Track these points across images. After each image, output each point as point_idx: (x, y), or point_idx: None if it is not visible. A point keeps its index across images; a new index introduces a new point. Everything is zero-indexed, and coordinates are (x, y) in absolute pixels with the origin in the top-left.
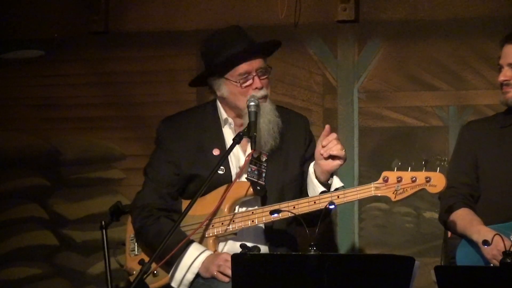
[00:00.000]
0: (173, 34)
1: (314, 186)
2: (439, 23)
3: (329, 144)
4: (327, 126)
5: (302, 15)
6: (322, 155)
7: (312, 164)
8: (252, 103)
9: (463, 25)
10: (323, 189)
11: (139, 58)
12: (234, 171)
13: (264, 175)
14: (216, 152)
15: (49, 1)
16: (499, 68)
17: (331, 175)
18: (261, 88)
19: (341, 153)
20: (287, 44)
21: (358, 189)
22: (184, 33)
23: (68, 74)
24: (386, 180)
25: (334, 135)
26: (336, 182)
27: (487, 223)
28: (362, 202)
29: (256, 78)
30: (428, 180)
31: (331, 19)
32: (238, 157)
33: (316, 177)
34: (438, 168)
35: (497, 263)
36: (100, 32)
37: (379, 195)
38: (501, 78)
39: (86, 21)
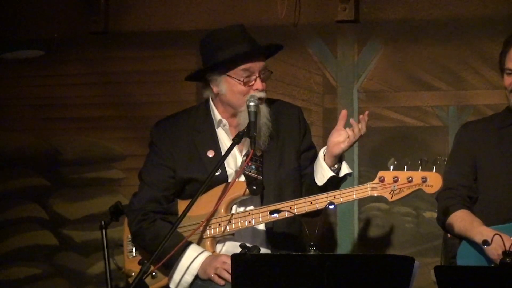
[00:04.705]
0: (173, 34)
1: (323, 171)
2: (438, 23)
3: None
4: (344, 112)
5: (302, 15)
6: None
7: (323, 150)
8: (252, 103)
9: (463, 25)
10: (332, 174)
11: (138, 58)
12: (229, 171)
13: (260, 169)
14: (210, 153)
15: (49, 1)
16: (508, 73)
17: (339, 161)
18: (261, 90)
19: (353, 135)
20: (287, 44)
21: (354, 189)
22: (184, 33)
23: (68, 74)
24: (382, 180)
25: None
26: (344, 168)
27: (486, 224)
28: (362, 202)
29: (258, 79)
30: (424, 180)
31: (331, 19)
32: (235, 157)
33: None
34: (434, 168)
35: None
36: (100, 32)
37: (375, 195)
38: (509, 82)
39: (86, 21)
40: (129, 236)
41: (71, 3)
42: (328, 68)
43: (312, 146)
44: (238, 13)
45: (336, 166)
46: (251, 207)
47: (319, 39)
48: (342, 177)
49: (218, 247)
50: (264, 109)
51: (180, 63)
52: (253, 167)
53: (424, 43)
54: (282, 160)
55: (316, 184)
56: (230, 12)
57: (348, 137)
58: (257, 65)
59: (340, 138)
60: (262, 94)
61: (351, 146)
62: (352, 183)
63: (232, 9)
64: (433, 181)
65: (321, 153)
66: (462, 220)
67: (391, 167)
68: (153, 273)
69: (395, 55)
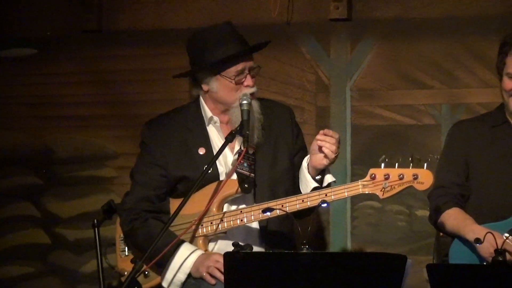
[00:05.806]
0: (166, 32)
1: (307, 182)
2: (432, 22)
3: (326, 140)
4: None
5: (294, 13)
6: (315, 149)
7: (306, 159)
8: (245, 102)
9: (456, 23)
10: (315, 184)
11: (132, 57)
12: (221, 169)
13: (253, 167)
14: (201, 151)
15: None
16: (510, 77)
17: (323, 170)
18: (252, 86)
19: (331, 154)
20: (280, 43)
21: (345, 186)
22: (177, 31)
23: (61, 72)
24: (373, 178)
25: (336, 135)
26: (328, 178)
27: (479, 222)
28: (355, 200)
29: (248, 76)
30: (415, 177)
31: (324, 17)
32: (226, 155)
33: (309, 172)
34: (425, 165)
35: None
36: (93, 30)
37: (366, 192)
38: (510, 86)
39: (79, 19)
40: (122, 235)
41: (65, 2)
42: (321, 66)
43: (304, 148)
44: (231, 11)
45: (319, 176)
46: (243, 206)
47: (312, 37)
48: (326, 186)
49: (211, 245)
50: (255, 104)
51: (174, 61)
52: (245, 164)
53: (417, 41)
54: (275, 159)
55: (301, 192)
56: (223, 10)
57: (326, 155)
58: (247, 64)
59: (321, 154)
60: (253, 90)
61: (332, 162)
62: (345, 181)
63: (225, 8)
64: (424, 178)
65: (305, 163)
66: (455, 218)
67: (382, 165)
68: (146, 272)
69: (388, 54)
